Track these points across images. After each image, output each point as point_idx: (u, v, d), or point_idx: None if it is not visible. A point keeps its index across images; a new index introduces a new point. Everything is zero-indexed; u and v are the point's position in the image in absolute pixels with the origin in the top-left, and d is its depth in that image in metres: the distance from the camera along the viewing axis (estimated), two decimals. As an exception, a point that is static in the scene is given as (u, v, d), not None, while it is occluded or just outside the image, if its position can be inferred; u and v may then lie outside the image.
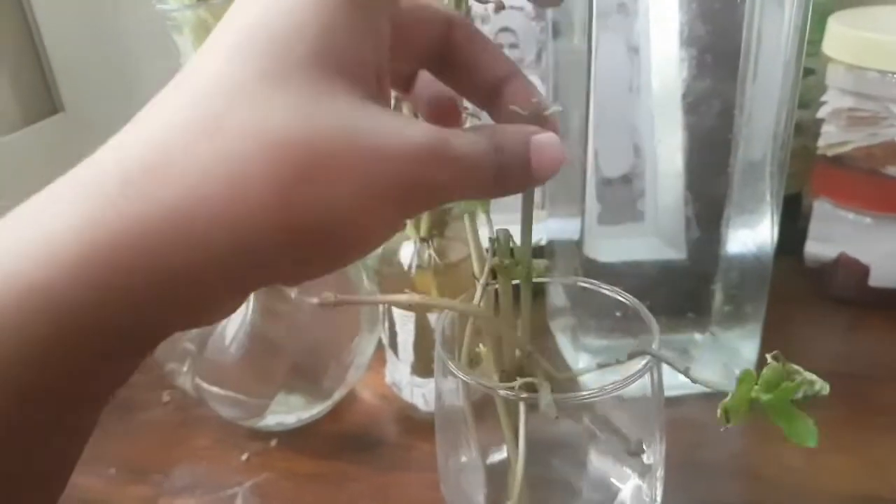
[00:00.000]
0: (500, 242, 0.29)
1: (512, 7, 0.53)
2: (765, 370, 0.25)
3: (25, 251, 0.17)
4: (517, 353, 0.31)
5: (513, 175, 0.22)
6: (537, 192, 0.51)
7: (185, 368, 0.44)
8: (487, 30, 0.53)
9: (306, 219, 0.18)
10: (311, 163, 0.18)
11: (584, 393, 0.29)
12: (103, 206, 0.17)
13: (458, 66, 0.25)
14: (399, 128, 0.20)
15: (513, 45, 0.55)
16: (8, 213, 0.18)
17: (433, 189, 0.21)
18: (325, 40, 0.19)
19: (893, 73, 0.47)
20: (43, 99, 0.55)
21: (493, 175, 0.22)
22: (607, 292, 0.33)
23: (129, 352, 0.19)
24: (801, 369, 0.25)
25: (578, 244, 0.43)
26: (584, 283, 0.35)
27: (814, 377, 0.25)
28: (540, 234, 0.48)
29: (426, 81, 0.27)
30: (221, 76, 0.19)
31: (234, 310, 0.21)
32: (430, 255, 0.43)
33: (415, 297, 0.32)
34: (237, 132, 0.18)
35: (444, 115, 0.27)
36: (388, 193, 0.20)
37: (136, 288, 0.17)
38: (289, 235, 0.18)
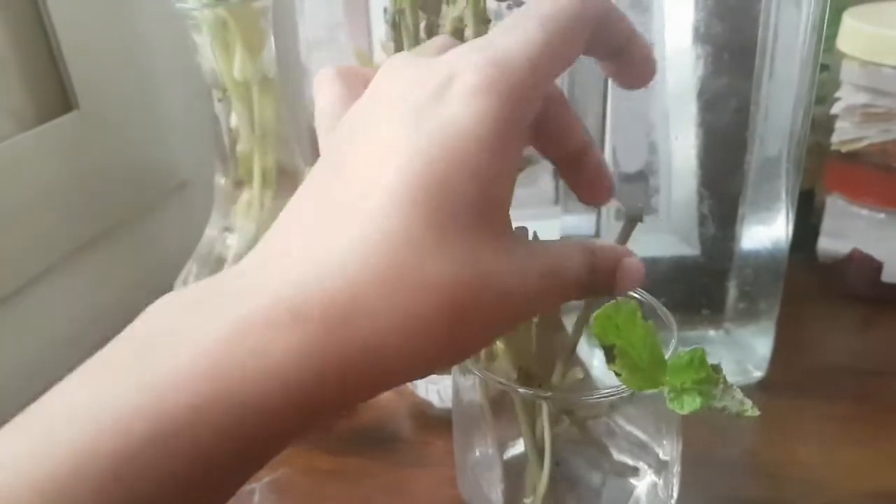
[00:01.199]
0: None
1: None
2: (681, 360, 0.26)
3: (256, 378, 0.19)
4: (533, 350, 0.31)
5: (597, 288, 0.25)
6: (553, 189, 0.52)
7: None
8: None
9: (450, 356, 0.22)
10: (465, 309, 0.21)
11: (600, 391, 0.29)
12: (313, 345, 0.20)
13: (547, 134, 0.28)
14: (522, 269, 0.22)
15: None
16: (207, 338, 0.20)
17: (536, 313, 0.25)
18: (490, 188, 0.21)
19: (908, 69, 0.47)
20: (57, 96, 0.54)
21: (583, 289, 0.25)
22: (623, 289, 0.34)
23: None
24: (735, 387, 0.25)
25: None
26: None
27: (744, 399, 0.25)
28: (555, 230, 0.49)
29: None
30: (402, 228, 0.21)
31: None
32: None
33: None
34: (416, 288, 0.20)
35: None
36: (501, 329, 0.23)
37: (324, 408, 0.21)
38: (430, 369, 0.22)
